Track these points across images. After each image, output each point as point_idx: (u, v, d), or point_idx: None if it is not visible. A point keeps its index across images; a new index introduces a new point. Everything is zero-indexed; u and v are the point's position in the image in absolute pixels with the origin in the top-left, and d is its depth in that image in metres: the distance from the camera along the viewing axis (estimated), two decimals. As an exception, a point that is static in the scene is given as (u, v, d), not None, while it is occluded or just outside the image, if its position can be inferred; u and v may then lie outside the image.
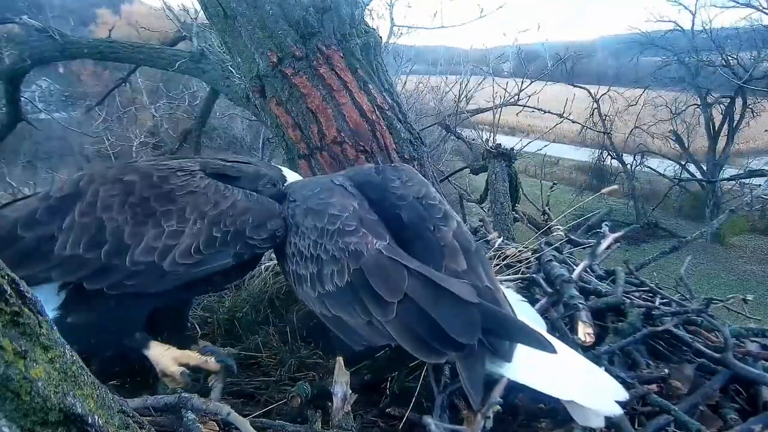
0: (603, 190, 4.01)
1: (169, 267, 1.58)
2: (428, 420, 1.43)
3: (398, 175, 1.84)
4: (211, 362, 1.72)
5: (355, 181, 1.80)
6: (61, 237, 1.58)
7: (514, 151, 3.82)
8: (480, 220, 3.69)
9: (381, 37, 3.24)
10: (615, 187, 12.77)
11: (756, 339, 1.92)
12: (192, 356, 1.72)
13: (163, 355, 1.70)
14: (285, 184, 1.96)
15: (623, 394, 1.29)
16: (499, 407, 1.38)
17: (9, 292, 0.82)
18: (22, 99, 6.98)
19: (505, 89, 8.39)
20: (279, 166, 2.16)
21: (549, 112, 8.31)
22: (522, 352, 1.33)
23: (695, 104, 20.86)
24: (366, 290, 1.42)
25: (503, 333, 1.34)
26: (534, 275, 2.36)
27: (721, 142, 20.41)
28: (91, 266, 1.56)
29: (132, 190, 1.62)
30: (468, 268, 1.50)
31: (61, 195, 1.64)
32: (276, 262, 2.84)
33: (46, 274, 1.58)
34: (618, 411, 1.25)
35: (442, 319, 1.32)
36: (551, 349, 1.32)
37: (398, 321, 1.36)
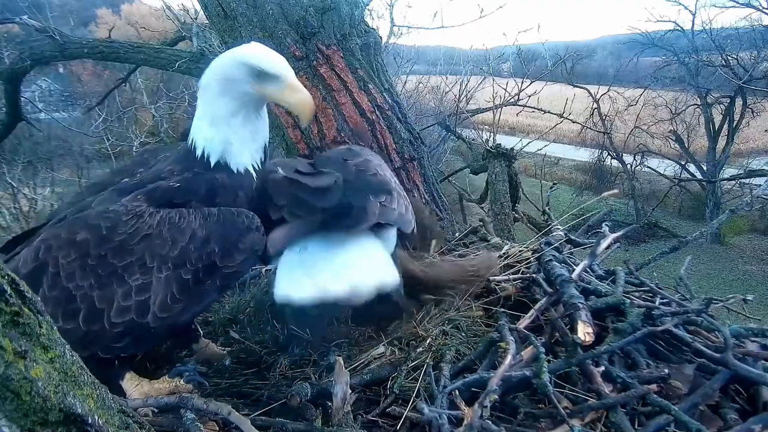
0: (604, 194, 4.00)
1: (155, 323, 1.50)
2: (422, 405, 1.52)
3: (352, 155, 2.04)
4: (182, 385, 1.70)
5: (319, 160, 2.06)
6: None
7: (514, 151, 3.81)
8: (480, 221, 3.69)
9: (381, 37, 3.25)
10: (616, 191, 12.76)
11: (756, 339, 1.92)
12: (162, 389, 1.69)
13: (133, 390, 1.68)
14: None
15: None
16: (496, 396, 1.47)
17: (9, 292, 0.82)
18: (22, 99, 6.98)
19: (505, 89, 8.38)
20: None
21: (549, 112, 8.29)
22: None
23: (695, 104, 20.84)
24: None
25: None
26: (534, 275, 2.36)
27: (721, 142, 20.38)
28: (73, 336, 1.45)
29: (87, 251, 1.52)
30: None
31: (27, 270, 1.55)
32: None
33: None
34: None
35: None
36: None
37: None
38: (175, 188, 1.65)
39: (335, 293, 1.45)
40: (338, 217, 1.59)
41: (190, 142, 1.75)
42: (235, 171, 1.73)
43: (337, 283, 1.46)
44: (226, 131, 1.72)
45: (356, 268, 1.52)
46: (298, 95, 1.73)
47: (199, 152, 1.72)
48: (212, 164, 1.71)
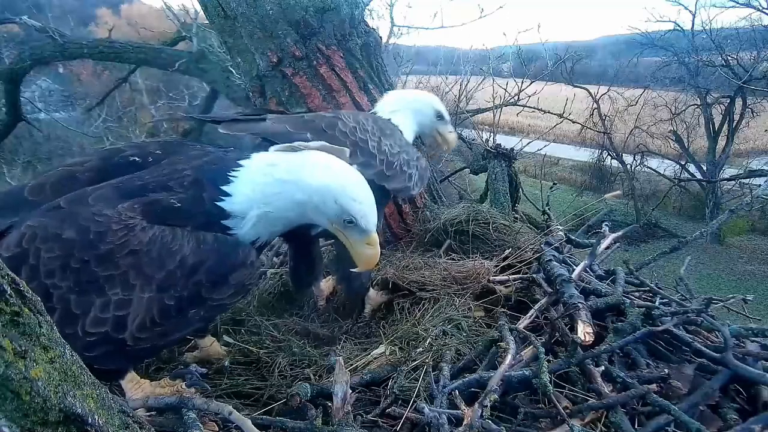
0: (606, 195, 4.00)
1: (132, 342, 1.46)
2: (422, 405, 1.55)
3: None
4: (183, 388, 1.69)
5: None
6: None
7: (514, 151, 3.81)
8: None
9: (381, 37, 3.25)
10: (618, 192, 12.73)
11: (756, 339, 1.92)
12: (163, 390, 1.68)
13: (134, 391, 1.67)
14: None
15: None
16: (496, 396, 1.50)
17: (9, 292, 0.82)
18: (22, 99, 6.99)
19: (505, 89, 8.36)
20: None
21: (549, 112, 8.29)
22: None
23: (695, 104, 20.84)
24: None
25: None
26: (534, 275, 2.36)
27: (721, 142, 20.38)
28: None
29: (71, 251, 1.44)
30: None
31: (8, 255, 1.45)
32: (281, 267, 2.88)
33: None
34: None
35: None
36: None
37: None
38: (175, 208, 1.55)
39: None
40: None
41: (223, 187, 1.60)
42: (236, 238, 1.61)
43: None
44: (256, 220, 1.61)
45: None
46: (372, 251, 1.68)
47: (219, 203, 1.59)
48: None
